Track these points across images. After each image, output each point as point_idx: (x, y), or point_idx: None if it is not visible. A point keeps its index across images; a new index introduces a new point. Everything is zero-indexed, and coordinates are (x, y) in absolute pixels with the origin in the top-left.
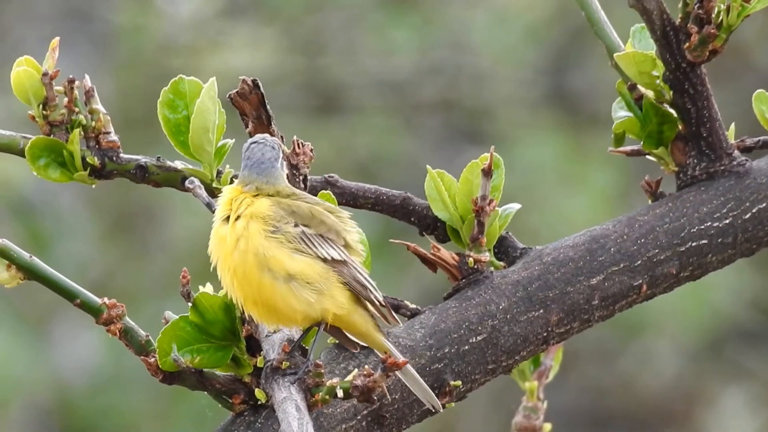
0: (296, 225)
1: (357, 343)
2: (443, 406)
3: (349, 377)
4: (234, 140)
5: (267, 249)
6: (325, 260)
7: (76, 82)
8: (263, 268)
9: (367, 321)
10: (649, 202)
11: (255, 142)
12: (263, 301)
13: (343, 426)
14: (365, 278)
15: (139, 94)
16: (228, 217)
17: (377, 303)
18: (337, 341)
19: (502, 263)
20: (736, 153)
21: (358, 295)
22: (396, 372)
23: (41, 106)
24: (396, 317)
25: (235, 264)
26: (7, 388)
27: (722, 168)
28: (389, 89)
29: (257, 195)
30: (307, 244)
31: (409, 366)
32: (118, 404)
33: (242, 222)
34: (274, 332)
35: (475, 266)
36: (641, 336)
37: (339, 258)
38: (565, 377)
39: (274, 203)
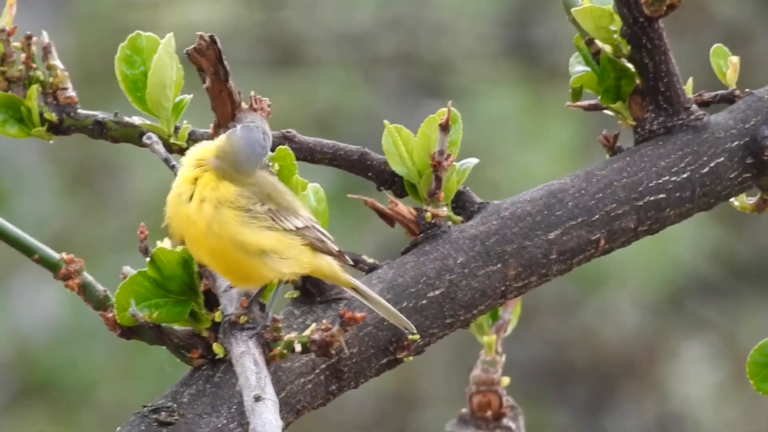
0: (263, 204)
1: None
2: (402, 360)
3: (307, 332)
4: (192, 96)
5: (243, 234)
6: (290, 231)
7: (34, 38)
8: (240, 249)
9: (331, 265)
10: (607, 156)
11: (256, 131)
12: (238, 273)
13: (302, 380)
14: (323, 234)
15: (98, 49)
16: (191, 195)
17: (335, 253)
18: (295, 296)
19: (459, 218)
20: (694, 107)
21: (319, 251)
22: (366, 302)
23: None
24: (349, 260)
25: (212, 247)
26: None
27: (680, 122)
28: (348, 43)
29: (222, 179)
30: (274, 220)
31: (365, 289)
32: (79, 359)
33: (209, 206)
34: (232, 287)
35: (433, 221)
36: (601, 289)
37: (302, 225)
38: (526, 330)
39: (239, 187)
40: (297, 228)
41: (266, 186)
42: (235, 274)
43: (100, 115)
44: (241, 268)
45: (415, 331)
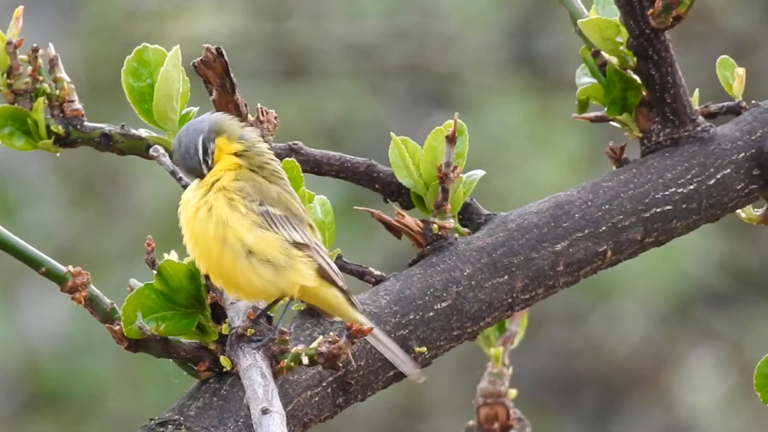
0: (261, 204)
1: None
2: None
3: (315, 344)
4: (198, 108)
5: (229, 217)
6: (287, 241)
7: (40, 51)
8: (222, 240)
9: (337, 295)
10: (614, 168)
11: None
12: (225, 275)
13: (309, 393)
14: (328, 262)
15: (105, 61)
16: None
17: (342, 288)
18: (302, 308)
19: (466, 230)
20: (701, 119)
21: (325, 279)
22: (367, 337)
23: (5, 74)
24: (357, 302)
25: (196, 232)
26: None
27: (686, 134)
28: (356, 54)
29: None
30: (269, 223)
31: (377, 330)
32: (87, 371)
33: (204, 190)
34: (240, 300)
35: (440, 233)
36: (609, 299)
37: (301, 241)
38: (533, 341)
39: (243, 179)
40: (295, 241)
41: (275, 191)
42: (223, 279)
43: (106, 127)
44: (226, 269)
45: (420, 378)
